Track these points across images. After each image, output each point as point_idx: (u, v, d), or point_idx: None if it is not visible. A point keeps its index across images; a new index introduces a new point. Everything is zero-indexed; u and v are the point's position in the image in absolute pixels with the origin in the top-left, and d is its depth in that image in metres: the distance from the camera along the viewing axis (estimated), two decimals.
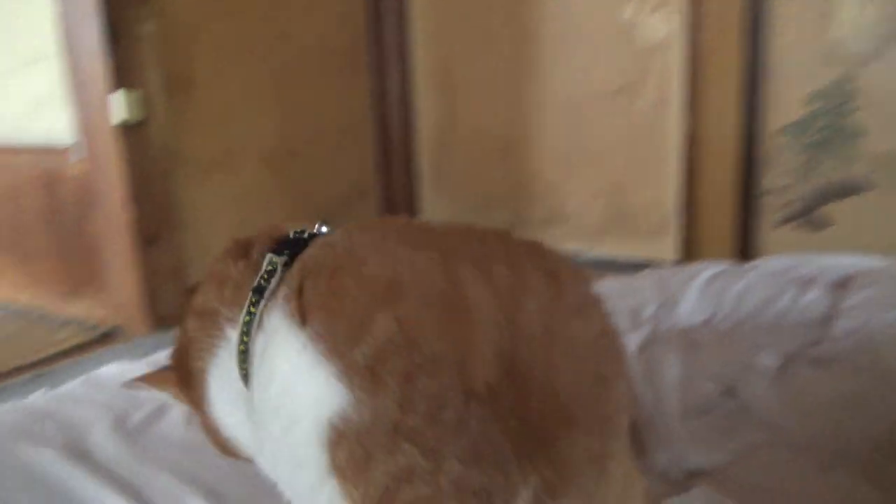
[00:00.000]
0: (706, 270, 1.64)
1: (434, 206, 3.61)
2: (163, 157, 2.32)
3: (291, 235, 0.65)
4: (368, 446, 0.47)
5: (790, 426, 1.10)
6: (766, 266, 1.66)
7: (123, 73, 2.15)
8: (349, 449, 0.47)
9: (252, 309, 0.59)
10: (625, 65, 2.94)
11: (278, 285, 0.59)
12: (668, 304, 1.54)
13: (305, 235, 0.64)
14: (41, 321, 2.58)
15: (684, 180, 2.85)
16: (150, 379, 0.73)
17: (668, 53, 2.82)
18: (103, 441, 1.03)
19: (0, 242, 2.75)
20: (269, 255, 0.61)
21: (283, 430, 0.52)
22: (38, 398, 1.21)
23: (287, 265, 0.60)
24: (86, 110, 2.23)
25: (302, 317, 0.52)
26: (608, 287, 1.66)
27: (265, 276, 0.60)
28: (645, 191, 3.01)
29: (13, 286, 2.74)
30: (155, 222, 2.31)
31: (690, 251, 2.87)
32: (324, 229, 0.66)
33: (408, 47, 3.42)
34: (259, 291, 0.59)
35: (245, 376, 0.60)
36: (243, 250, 0.66)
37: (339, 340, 0.50)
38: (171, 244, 2.38)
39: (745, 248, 2.72)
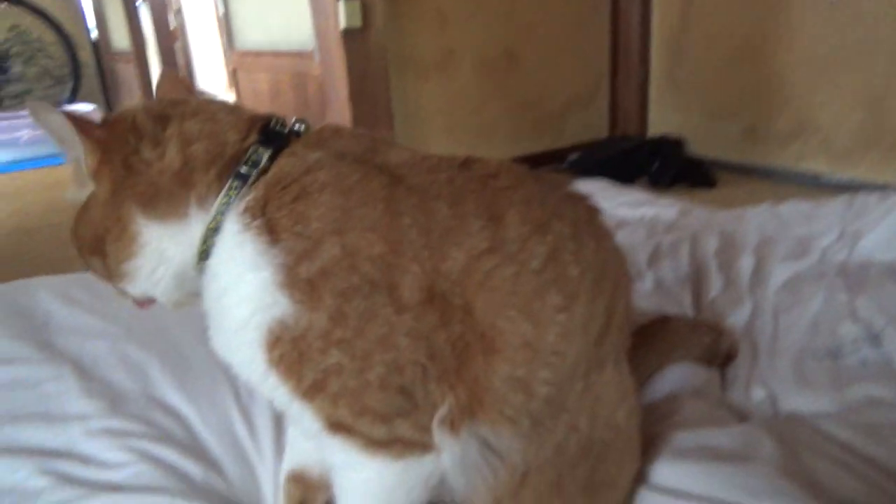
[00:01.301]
0: None
1: (663, 116, 3.37)
2: (381, 60, 2.54)
3: (275, 127, 0.65)
4: (301, 349, 0.57)
5: None
6: None
7: None
8: (285, 350, 0.57)
9: (231, 193, 0.60)
10: None
11: (255, 180, 0.61)
12: (848, 236, 1.32)
13: (286, 131, 0.65)
14: None
15: None
16: (77, 120, 0.61)
17: None
18: None
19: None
20: (255, 145, 0.62)
21: (234, 330, 0.59)
22: None
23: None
24: (320, 18, 2.52)
25: (271, 235, 0.57)
26: (791, 210, 1.48)
27: (249, 163, 0.61)
28: None
29: None
30: (373, 120, 2.56)
31: None
32: (300, 127, 0.66)
33: None
34: (241, 178, 0.61)
35: (201, 254, 0.62)
36: (243, 119, 0.65)
37: (289, 259, 0.56)
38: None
39: None
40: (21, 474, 0.81)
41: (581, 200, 0.71)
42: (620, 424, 0.70)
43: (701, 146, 3.16)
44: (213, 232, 0.61)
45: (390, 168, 0.62)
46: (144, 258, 0.63)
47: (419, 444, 0.61)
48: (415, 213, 0.59)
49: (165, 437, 0.87)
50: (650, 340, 0.99)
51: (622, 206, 1.79)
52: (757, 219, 1.44)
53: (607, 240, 0.71)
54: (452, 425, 0.60)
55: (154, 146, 0.62)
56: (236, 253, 0.59)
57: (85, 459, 0.83)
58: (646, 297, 1.21)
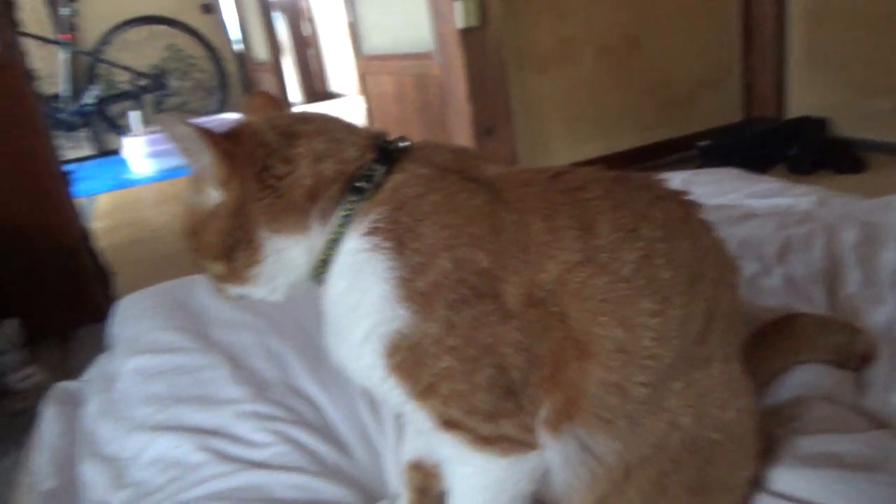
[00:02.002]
0: None
1: (803, 95, 3.13)
2: (499, 56, 2.57)
3: (387, 144, 0.69)
4: (417, 355, 0.61)
5: None
6: None
7: None
8: (402, 357, 0.62)
9: (350, 206, 0.65)
10: None
11: (371, 195, 0.65)
12: None
13: (396, 147, 0.69)
14: None
15: None
16: (205, 132, 0.64)
17: None
18: None
19: (395, 132, 3.43)
20: (371, 162, 0.67)
21: (359, 342, 0.63)
22: None
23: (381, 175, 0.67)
24: (438, 19, 2.59)
25: (393, 252, 0.61)
26: None
27: (365, 179, 0.65)
28: None
29: None
30: (491, 116, 2.61)
31: None
32: (405, 144, 0.70)
33: None
34: (358, 192, 0.65)
35: (319, 264, 0.67)
36: (360, 136, 0.70)
37: (407, 273, 0.61)
38: (506, 135, 2.67)
39: None
40: (184, 450, 0.93)
41: (674, 198, 0.70)
42: (731, 424, 0.69)
43: (847, 126, 2.91)
44: (332, 243, 0.66)
45: (489, 182, 0.66)
46: (268, 266, 0.68)
47: (524, 443, 0.64)
48: (513, 228, 0.63)
49: (302, 422, 0.97)
50: (774, 339, 0.96)
51: (752, 196, 1.70)
52: None
53: (705, 235, 0.70)
54: (553, 427, 0.63)
55: (285, 163, 0.66)
56: (361, 267, 0.63)
57: (235, 439, 0.94)
58: (773, 293, 1.15)
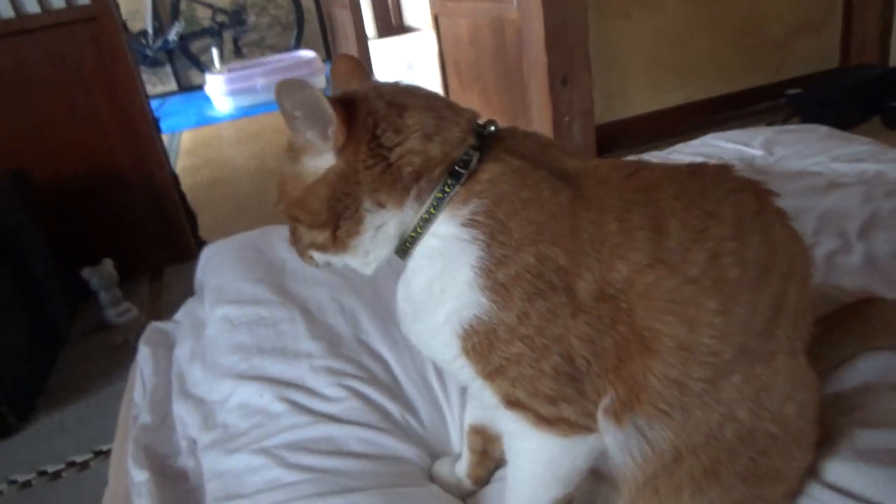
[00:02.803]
0: None
1: None
2: (579, 1, 2.47)
3: (481, 130, 0.70)
4: (491, 340, 0.64)
5: None
6: None
7: None
8: (477, 340, 0.64)
9: (446, 189, 0.66)
10: None
11: (465, 180, 0.66)
12: None
13: (488, 132, 0.70)
14: None
15: None
16: (333, 101, 0.65)
17: None
18: None
19: (468, 78, 3.40)
20: (470, 148, 0.68)
21: (438, 322, 0.66)
22: None
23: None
24: None
25: (485, 242, 0.63)
26: None
27: (461, 164, 0.67)
28: None
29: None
30: (569, 64, 2.54)
31: None
32: (493, 128, 0.71)
33: None
34: (455, 176, 0.66)
35: (406, 241, 0.69)
36: (462, 118, 0.70)
37: (492, 263, 0.63)
38: (583, 84, 2.60)
39: None
40: (265, 399, 1.01)
41: (747, 190, 0.70)
42: (790, 418, 0.70)
43: None
44: (424, 223, 0.67)
45: (571, 178, 0.67)
46: (368, 237, 0.70)
47: (583, 427, 0.67)
48: (591, 228, 0.64)
49: (372, 379, 1.03)
50: (847, 324, 0.94)
51: (839, 159, 1.62)
52: None
53: (778, 227, 0.70)
54: (616, 416, 0.66)
55: (395, 132, 0.67)
56: (454, 254, 0.65)
57: (311, 392, 1.02)
58: (851, 273, 1.12)
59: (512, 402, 0.68)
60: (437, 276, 0.67)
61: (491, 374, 0.67)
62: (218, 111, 5.09)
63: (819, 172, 1.54)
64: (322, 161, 0.68)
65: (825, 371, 0.91)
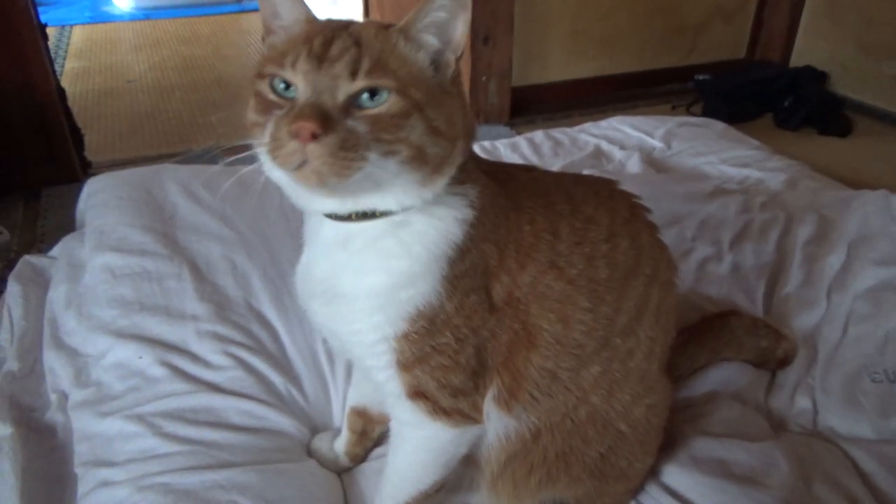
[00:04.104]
0: None
1: (811, 44, 3.05)
2: None
3: None
4: (428, 325, 0.66)
5: None
6: None
7: None
8: (418, 323, 0.66)
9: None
10: None
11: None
12: None
13: None
14: None
15: None
16: None
17: None
18: None
19: (392, 18, 3.28)
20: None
21: (378, 305, 0.65)
22: None
23: None
24: None
25: (465, 236, 0.66)
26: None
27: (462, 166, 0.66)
28: None
29: None
30: (491, 23, 2.50)
31: None
32: None
33: None
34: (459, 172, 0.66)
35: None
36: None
37: (455, 256, 0.65)
38: (504, 45, 2.59)
39: None
40: (145, 361, 0.99)
41: (623, 200, 0.78)
42: (639, 420, 0.77)
43: (846, 85, 2.88)
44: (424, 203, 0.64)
45: (504, 183, 0.71)
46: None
47: (471, 418, 0.72)
48: (517, 235, 0.69)
49: (259, 349, 1.03)
50: (704, 335, 1.03)
51: (727, 161, 1.72)
52: (865, 208, 1.36)
53: (645, 234, 0.77)
54: (507, 404, 0.72)
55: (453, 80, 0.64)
56: (436, 230, 0.65)
57: (194, 357, 1.00)
58: (718, 281, 1.22)
59: (417, 394, 0.70)
60: (405, 255, 0.65)
61: (410, 363, 0.68)
62: (116, 7, 4.65)
63: (707, 175, 1.64)
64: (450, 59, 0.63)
65: (681, 378, 1.00)
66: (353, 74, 0.57)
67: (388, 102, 0.57)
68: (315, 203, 0.64)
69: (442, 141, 0.61)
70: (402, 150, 0.58)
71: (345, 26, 0.62)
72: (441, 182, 0.63)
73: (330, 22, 0.64)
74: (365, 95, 0.57)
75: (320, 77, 0.57)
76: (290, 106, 0.57)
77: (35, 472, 0.91)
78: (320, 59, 0.57)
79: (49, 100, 2.03)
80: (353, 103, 0.57)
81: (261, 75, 0.61)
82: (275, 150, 0.56)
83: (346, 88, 0.57)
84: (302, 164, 0.55)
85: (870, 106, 2.81)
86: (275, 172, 0.60)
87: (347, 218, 0.64)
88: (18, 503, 0.86)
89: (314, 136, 0.53)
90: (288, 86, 0.59)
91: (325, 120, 0.54)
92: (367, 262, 0.66)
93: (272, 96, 0.59)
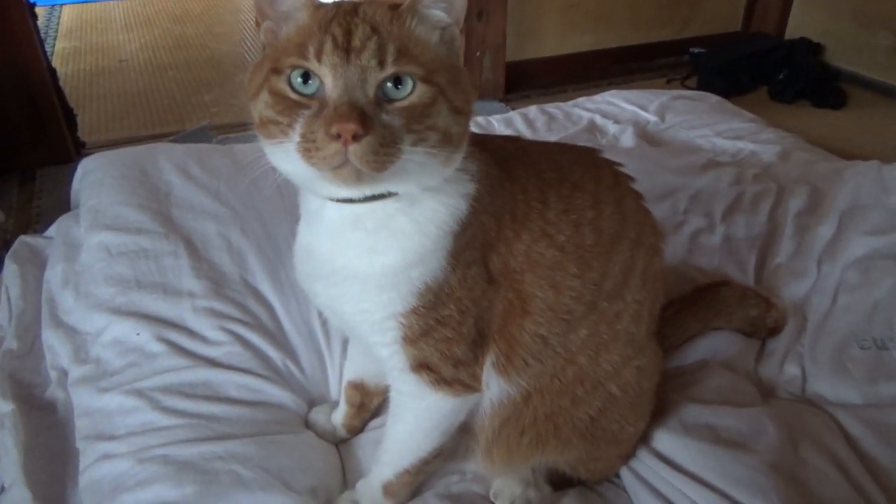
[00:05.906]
0: None
1: (807, 15, 3.03)
2: None
3: None
4: (434, 299, 0.67)
5: None
6: None
7: None
8: (426, 297, 0.67)
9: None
10: None
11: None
12: None
13: None
14: None
15: None
16: None
17: None
18: None
19: None
20: None
21: (390, 280, 0.66)
22: None
23: None
24: None
25: (470, 211, 0.67)
26: None
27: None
28: None
29: None
30: None
31: None
32: None
33: None
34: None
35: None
36: None
37: (458, 230, 0.67)
38: (497, 19, 2.57)
39: None
40: (143, 337, 1.00)
41: (607, 167, 0.79)
42: (629, 382, 0.79)
43: (841, 57, 2.87)
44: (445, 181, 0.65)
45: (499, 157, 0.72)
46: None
47: (471, 387, 0.74)
48: (512, 205, 0.70)
49: (256, 324, 1.04)
50: (695, 305, 1.05)
51: (721, 134, 1.73)
52: (856, 179, 1.37)
53: (629, 199, 0.79)
54: (505, 370, 0.74)
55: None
56: (446, 207, 0.66)
57: (191, 333, 1.01)
58: (711, 252, 1.23)
59: (420, 366, 0.72)
60: (418, 233, 0.66)
61: (416, 337, 0.69)
62: None
63: (700, 147, 1.64)
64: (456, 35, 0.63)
65: (672, 347, 1.02)
66: (381, 64, 0.56)
67: (417, 92, 0.57)
68: (331, 191, 0.63)
69: (462, 118, 0.61)
70: (431, 137, 0.58)
71: (354, 10, 0.60)
72: (458, 158, 0.64)
73: (339, 5, 0.61)
74: (389, 84, 0.57)
75: (350, 70, 0.55)
76: (318, 104, 0.56)
77: (37, 448, 0.92)
78: (347, 50, 0.56)
79: (40, 80, 2.02)
80: (380, 95, 0.57)
81: (276, 70, 0.58)
82: (309, 151, 0.55)
83: (375, 80, 0.56)
84: (342, 165, 0.54)
85: (864, 77, 2.80)
86: (289, 165, 0.59)
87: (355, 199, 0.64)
88: (21, 478, 0.87)
89: (356, 138, 0.53)
90: (306, 78, 0.57)
91: (365, 119, 0.54)
92: (380, 241, 0.66)
93: (294, 95, 0.57)
